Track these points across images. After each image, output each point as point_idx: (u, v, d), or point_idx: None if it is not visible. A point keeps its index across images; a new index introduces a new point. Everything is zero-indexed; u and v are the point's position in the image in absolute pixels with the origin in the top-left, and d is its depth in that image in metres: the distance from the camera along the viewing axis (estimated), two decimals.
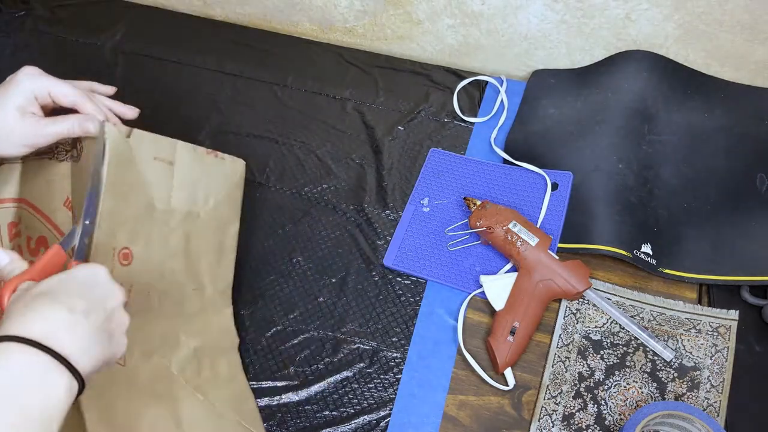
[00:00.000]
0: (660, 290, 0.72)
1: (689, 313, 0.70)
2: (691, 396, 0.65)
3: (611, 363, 0.68)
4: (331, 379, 0.69)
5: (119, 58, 0.97)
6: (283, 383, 0.69)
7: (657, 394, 0.65)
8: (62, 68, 0.95)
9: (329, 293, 0.75)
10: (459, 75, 0.93)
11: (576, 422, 0.65)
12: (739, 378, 0.66)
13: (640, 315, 0.70)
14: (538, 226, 0.75)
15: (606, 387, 0.66)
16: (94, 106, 0.59)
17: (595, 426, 0.64)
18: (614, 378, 0.67)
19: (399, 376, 0.69)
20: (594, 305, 0.71)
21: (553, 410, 0.66)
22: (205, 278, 0.68)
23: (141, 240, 0.60)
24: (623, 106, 0.81)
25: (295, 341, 0.72)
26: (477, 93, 0.91)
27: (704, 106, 0.83)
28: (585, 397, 0.66)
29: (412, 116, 0.89)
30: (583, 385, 0.67)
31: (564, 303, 0.71)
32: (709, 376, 0.66)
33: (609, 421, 0.65)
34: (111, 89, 0.65)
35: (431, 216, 0.79)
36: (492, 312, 0.71)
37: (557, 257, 0.70)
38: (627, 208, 0.74)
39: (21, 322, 0.42)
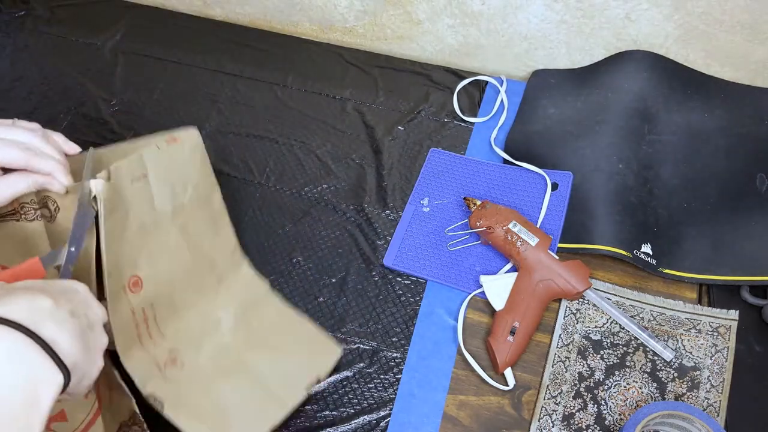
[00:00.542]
0: (660, 290, 0.72)
1: (689, 313, 0.70)
2: (691, 396, 0.65)
3: (611, 363, 0.68)
4: (331, 379, 0.69)
5: (119, 58, 0.97)
6: None
7: (657, 394, 0.65)
8: (62, 68, 0.96)
9: (329, 293, 0.75)
10: (459, 75, 0.93)
11: (576, 422, 0.65)
12: (739, 378, 0.66)
13: (640, 315, 0.70)
14: (538, 226, 0.75)
15: (606, 387, 0.66)
16: (49, 163, 0.55)
17: (595, 426, 0.64)
18: (614, 378, 0.67)
19: (399, 376, 0.69)
20: (594, 305, 0.71)
21: (553, 410, 0.66)
22: (212, 254, 0.70)
23: (144, 261, 0.62)
24: (623, 106, 0.81)
25: None
26: (477, 93, 0.91)
27: (704, 106, 0.83)
28: (585, 397, 0.66)
29: (412, 116, 0.89)
30: (583, 385, 0.67)
31: (564, 303, 0.71)
32: (709, 376, 0.66)
33: (609, 421, 0.65)
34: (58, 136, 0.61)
35: (431, 216, 0.79)
36: (492, 312, 0.71)
37: (557, 257, 0.70)
38: (627, 208, 0.74)
39: (2, 304, 0.39)
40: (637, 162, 0.78)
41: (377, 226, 0.79)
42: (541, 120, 0.86)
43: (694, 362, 0.67)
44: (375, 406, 0.67)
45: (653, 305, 0.71)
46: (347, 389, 0.68)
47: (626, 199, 0.75)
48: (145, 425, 0.59)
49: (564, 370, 0.68)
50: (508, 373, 0.67)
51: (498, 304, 0.69)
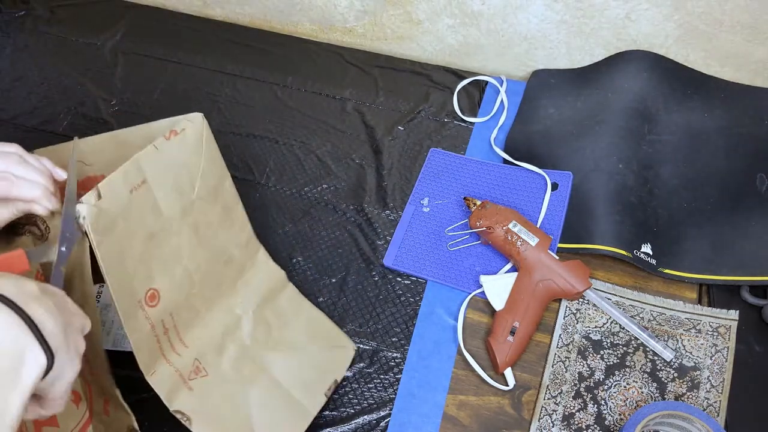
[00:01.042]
0: (660, 290, 0.72)
1: (689, 313, 0.70)
2: (691, 396, 0.65)
3: (611, 363, 0.68)
4: None
5: (119, 58, 0.97)
6: None
7: (657, 394, 0.65)
8: (62, 68, 0.96)
9: (329, 293, 0.75)
10: (459, 75, 0.93)
11: (576, 422, 0.65)
12: (739, 378, 0.66)
13: (640, 315, 0.70)
14: (538, 226, 0.75)
15: (606, 387, 0.66)
16: (32, 189, 0.54)
17: (595, 426, 0.64)
18: (614, 378, 0.67)
19: (399, 376, 0.69)
20: (594, 305, 0.71)
21: (553, 410, 0.66)
22: (227, 247, 0.68)
23: (158, 272, 0.60)
24: (623, 106, 0.81)
25: None
26: (477, 93, 0.91)
27: (704, 106, 0.83)
28: (585, 397, 0.66)
29: (412, 116, 0.89)
30: (583, 385, 0.67)
31: (564, 303, 0.71)
32: (709, 376, 0.66)
33: (609, 421, 0.65)
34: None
35: (431, 216, 0.79)
36: (492, 312, 0.71)
37: (557, 257, 0.70)
38: (627, 208, 0.74)
39: None
40: (637, 162, 0.78)
41: (377, 226, 0.79)
42: (541, 120, 0.86)
43: (694, 362, 0.67)
44: (375, 406, 0.67)
45: (653, 305, 0.71)
46: (347, 389, 0.68)
47: (626, 199, 0.75)
48: None
49: (564, 370, 0.68)
50: (508, 373, 0.67)
51: (498, 304, 0.69)
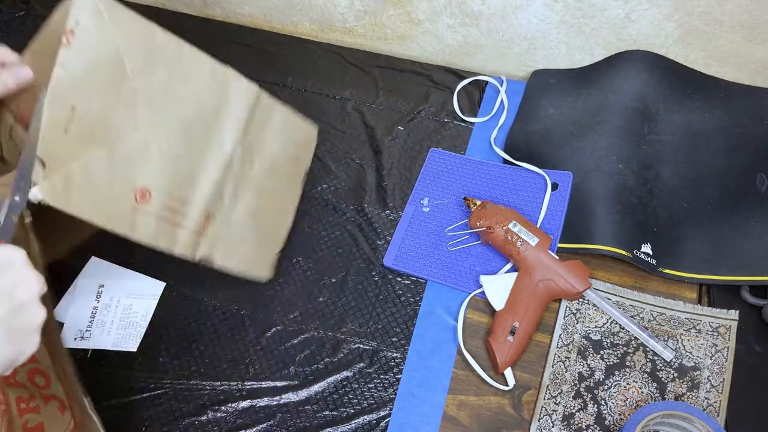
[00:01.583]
0: (660, 290, 0.72)
1: (689, 313, 0.70)
2: (691, 396, 0.65)
3: (611, 363, 0.68)
4: (331, 379, 0.69)
5: None
6: (284, 383, 0.69)
7: (657, 394, 0.65)
8: None
9: (329, 293, 0.75)
10: (459, 75, 0.93)
11: (576, 422, 0.65)
12: (739, 378, 0.66)
13: (640, 315, 0.70)
14: (538, 226, 0.75)
15: (606, 387, 0.66)
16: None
17: (595, 426, 0.64)
18: (614, 378, 0.67)
19: (399, 376, 0.69)
20: (594, 305, 0.71)
21: (553, 410, 0.66)
22: (194, 95, 0.65)
23: (134, 173, 0.58)
24: (623, 106, 0.81)
25: (295, 341, 0.72)
26: (477, 93, 0.91)
27: (704, 106, 0.83)
28: (585, 397, 0.66)
29: (412, 116, 0.89)
30: (583, 385, 0.67)
31: (564, 303, 0.71)
32: (709, 376, 0.66)
33: (609, 421, 0.65)
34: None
35: (431, 216, 0.79)
36: (492, 312, 0.71)
37: (557, 257, 0.70)
38: (627, 208, 0.74)
39: None
40: (637, 162, 0.78)
41: (377, 226, 0.79)
42: (541, 120, 0.86)
43: (694, 362, 0.67)
44: (375, 406, 0.67)
45: (653, 305, 0.71)
46: (347, 389, 0.68)
47: (626, 199, 0.75)
48: None
49: (564, 370, 0.68)
50: (508, 373, 0.67)
51: (498, 304, 0.69)
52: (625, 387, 0.66)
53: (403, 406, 0.67)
